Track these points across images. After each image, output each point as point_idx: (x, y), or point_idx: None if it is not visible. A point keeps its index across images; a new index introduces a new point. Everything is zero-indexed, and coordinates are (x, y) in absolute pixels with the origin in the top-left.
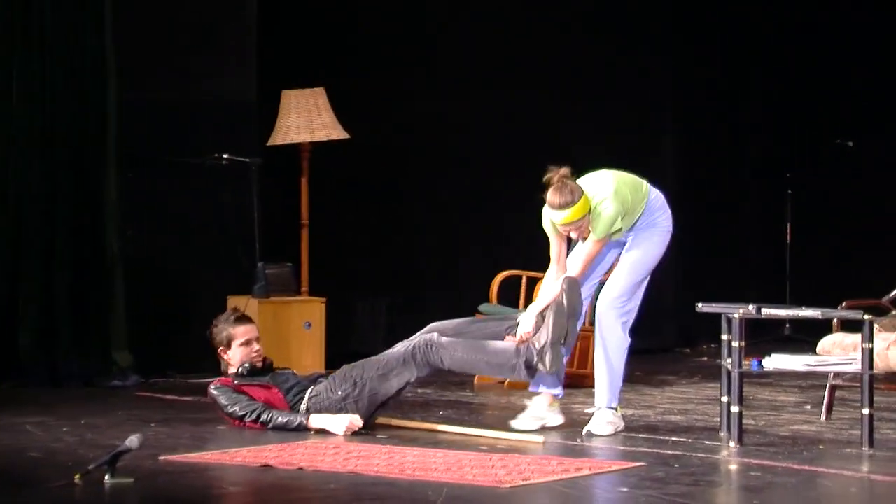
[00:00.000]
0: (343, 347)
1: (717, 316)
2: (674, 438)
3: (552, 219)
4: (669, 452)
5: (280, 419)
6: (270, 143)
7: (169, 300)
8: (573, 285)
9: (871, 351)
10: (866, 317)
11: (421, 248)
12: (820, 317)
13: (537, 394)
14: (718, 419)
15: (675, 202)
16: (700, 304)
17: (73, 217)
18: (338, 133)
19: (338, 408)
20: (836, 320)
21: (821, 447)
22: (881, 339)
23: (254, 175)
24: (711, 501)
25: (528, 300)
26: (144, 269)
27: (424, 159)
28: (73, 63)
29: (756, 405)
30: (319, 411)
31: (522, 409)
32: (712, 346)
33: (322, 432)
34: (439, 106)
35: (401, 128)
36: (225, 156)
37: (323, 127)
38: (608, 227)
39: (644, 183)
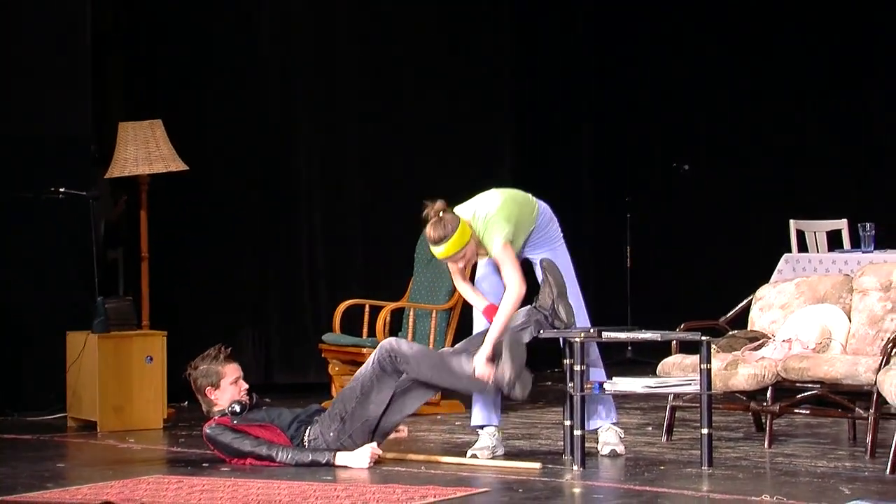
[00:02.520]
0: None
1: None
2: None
3: (433, 252)
4: (513, 478)
5: (303, 458)
6: (108, 175)
7: (5, 337)
8: (550, 265)
9: (709, 371)
10: (704, 338)
11: (263, 278)
12: (659, 339)
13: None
14: (562, 443)
15: None
16: (541, 330)
17: None
18: (176, 165)
19: (335, 447)
20: (675, 342)
21: (662, 468)
22: (719, 359)
23: (91, 208)
24: None
25: (372, 329)
26: None
27: (265, 190)
28: None
29: None
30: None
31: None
32: (556, 370)
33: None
34: (278, 137)
35: (241, 159)
36: (61, 189)
37: (161, 159)
38: (503, 234)
39: (530, 197)
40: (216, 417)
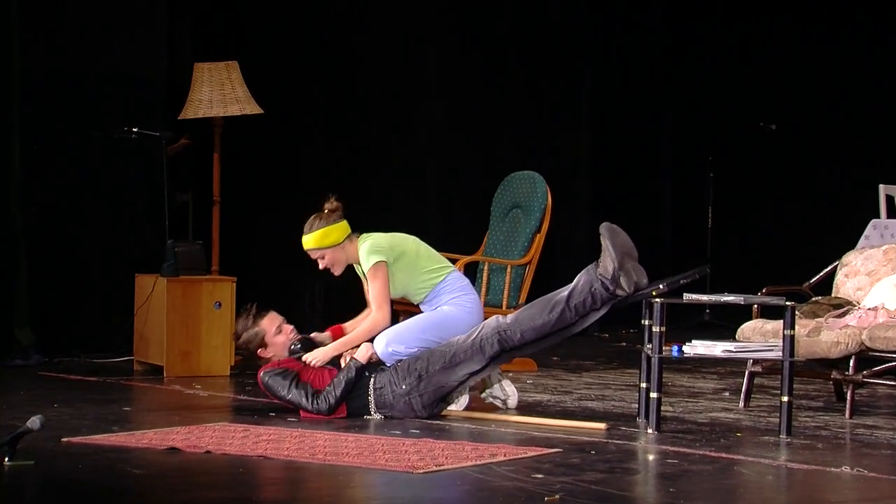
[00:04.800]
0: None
1: (637, 300)
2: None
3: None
4: (585, 439)
5: (338, 388)
6: (182, 116)
7: (74, 277)
8: (608, 228)
9: (792, 337)
10: (788, 303)
11: None
12: (742, 303)
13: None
14: (636, 405)
15: (595, 184)
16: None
17: None
18: (251, 108)
19: (403, 401)
20: (755, 306)
21: (738, 434)
22: (801, 326)
23: (164, 149)
24: (627, 489)
25: None
26: (49, 244)
27: (339, 136)
28: None
29: (674, 391)
30: (384, 405)
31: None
32: (631, 331)
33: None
34: (353, 82)
35: (314, 104)
36: (134, 129)
37: (236, 101)
38: (365, 260)
39: (447, 263)
40: (266, 364)
